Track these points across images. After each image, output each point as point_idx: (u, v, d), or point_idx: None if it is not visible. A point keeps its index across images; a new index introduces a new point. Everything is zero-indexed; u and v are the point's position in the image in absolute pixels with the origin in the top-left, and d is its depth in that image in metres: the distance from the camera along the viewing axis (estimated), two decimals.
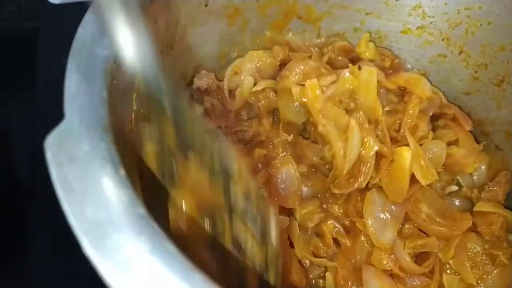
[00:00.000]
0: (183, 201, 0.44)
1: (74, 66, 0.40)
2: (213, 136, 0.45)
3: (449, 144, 0.65)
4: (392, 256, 0.58)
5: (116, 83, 0.44)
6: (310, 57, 0.72)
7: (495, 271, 0.59)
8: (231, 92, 0.72)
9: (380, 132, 0.59)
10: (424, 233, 0.61)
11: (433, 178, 0.59)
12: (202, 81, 0.69)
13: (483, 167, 0.68)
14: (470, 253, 0.60)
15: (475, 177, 0.68)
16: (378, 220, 0.58)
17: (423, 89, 0.63)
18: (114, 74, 0.44)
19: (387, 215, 0.58)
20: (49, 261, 0.69)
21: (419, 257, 0.60)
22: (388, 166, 0.58)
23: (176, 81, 0.66)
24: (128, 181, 0.34)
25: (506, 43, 0.63)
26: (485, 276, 0.59)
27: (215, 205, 0.44)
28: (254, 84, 0.69)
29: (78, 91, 0.38)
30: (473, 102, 0.71)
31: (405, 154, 0.58)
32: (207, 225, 0.43)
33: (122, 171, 0.34)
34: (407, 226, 0.60)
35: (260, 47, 0.74)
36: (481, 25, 0.65)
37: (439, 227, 0.59)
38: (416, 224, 0.60)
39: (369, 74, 0.59)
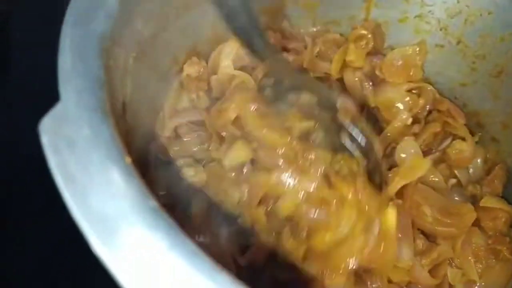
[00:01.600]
0: None
1: (67, 42, 0.36)
2: None
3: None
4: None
5: (113, 63, 0.40)
6: (305, 47, 0.71)
7: (497, 265, 0.58)
8: None
9: None
10: (432, 240, 0.59)
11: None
12: (193, 68, 0.65)
13: (479, 161, 0.68)
14: (473, 246, 0.59)
15: (471, 170, 0.68)
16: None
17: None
18: (110, 53, 0.40)
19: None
20: None
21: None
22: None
23: (168, 65, 0.62)
24: (135, 170, 0.30)
25: (506, 34, 0.62)
26: (487, 270, 0.58)
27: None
28: None
29: (73, 70, 0.34)
30: (469, 93, 0.70)
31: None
32: None
33: (128, 159, 0.30)
34: (418, 242, 0.58)
35: None
36: (480, 15, 0.64)
37: (448, 228, 0.57)
38: (424, 231, 0.58)
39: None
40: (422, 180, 0.62)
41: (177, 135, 0.65)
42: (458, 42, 0.68)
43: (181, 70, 0.65)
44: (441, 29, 0.69)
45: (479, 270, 0.58)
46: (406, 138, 0.63)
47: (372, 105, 0.69)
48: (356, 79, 0.69)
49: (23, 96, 0.72)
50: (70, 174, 0.28)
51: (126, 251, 0.25)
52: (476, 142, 0.69)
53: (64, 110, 0.31)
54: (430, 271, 0.57)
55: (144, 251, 0.25)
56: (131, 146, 0.53)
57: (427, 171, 0.59)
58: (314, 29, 0.74)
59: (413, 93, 0.68)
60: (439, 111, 0.68)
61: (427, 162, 0.59)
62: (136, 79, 0.52)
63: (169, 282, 0.24)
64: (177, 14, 0.58)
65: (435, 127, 0.64)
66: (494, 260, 0.58)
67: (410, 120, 0.65)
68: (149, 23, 0.52)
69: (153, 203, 0.28)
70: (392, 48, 0.73)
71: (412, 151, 0.61)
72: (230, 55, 0.67)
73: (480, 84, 0.68)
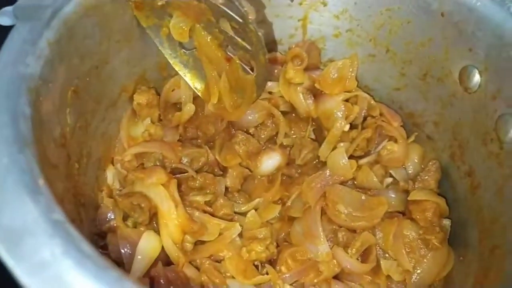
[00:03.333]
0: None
1: None
2: None
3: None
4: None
5: (42, 99, 0.46)
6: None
7: (429, 255, 0.63)
8: (173, 104, 0.75)
9: None
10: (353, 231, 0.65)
11: None
12: (143, 96, 0.71)
13: (416, 159, 0.73)
14: (406, 239, 0.63)
15: (410, 166, 0.73)
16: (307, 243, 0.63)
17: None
18: (40, 91, 0.46)
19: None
20: None
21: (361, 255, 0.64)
22: None
23: (116, 94, 0.68)
24: (47, 189, 0.35)
25: (425, 40, 0.68)
26: (421, 259, 0.63)
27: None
28: None
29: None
30: (403, 96, 0.75)
31: None
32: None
33: (41, 181, 0.36)
34: (339, 234, 0.64)
35: None
36: (401, 24, 0.69)
37: (359, 222, 0.63)
38: (341, 227, 0.65)
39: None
40: (354, 182, 0.68)
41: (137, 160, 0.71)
42: (387, 51, 0.74)
43: (132, 98, 0.71)
44: (370, 40, 0.74)
45: (413, 261, 0.62)
46: (338, 145, 0.68)
47: (315, 116, 0.74)
48: (300, 95, 0.75)
49: None
50: None
51: (26, 257, 0.30)
52: (414, 141, 0.74)
53: None
54: (362, 259, 0.62)
55: (41, 256, 0.30)
56: (80, 170, 0.59)
57: (352, 173, 0.66)
58: None
59: (349, 102, 0.73)
60: (372, 116, 0.73)
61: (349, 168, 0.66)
62: (79, 109, 0.57)
63: (60, 280, 0.30)
64: (119, 47, 0.64)
65: (367, 133, 0.70)
66: (426, 250, 0.62)
67: (347, 127, 0.71)
68: (88, 59, 0.58)
69: (57, 216, 0.33)
70: (331, 61, 0.78)
71: (342, 160, 0.67)
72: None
73: (411, 87, 0.73)
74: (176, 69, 0.70)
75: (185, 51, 0.69)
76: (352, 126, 0.73)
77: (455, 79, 0.66)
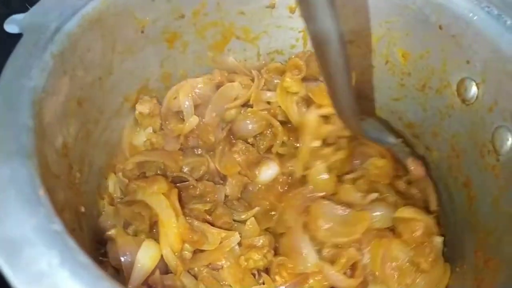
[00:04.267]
0: None
1: (1, 97, 0.43)
2: None
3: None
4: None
5: (46, 111, 0.47)
6: (252, 80, 0.78)
7: (420, 277, 0.62)
8: (175, 113, 0.76)
9: None
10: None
11: None
12: (145, 106, 0.72)
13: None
14: (395, 263, 0.62)
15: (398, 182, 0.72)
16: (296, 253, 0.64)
17: None
18: (43, 103, 0.47)
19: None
20: None
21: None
22: None
23: (119, 104, 0.69)
24: (47, 200, 0.37)
25: (423, 52, 0.68)
26: (412, 283, 0.62)
27: None
28: None
29: (3, 121, 0.41)
30: (402, 107, 0.76)
31: None
32: None
33: (41, 192, 0.37)
34: (325, 250, 0.63)
35: (203, 67, 0.78)
36: (401, 36, 0.70)
37: (340, 238, 0.63)
38: (326, 243, 0.64)
39: None
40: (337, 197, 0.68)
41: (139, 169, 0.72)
42: (386, 62, 0.74)
43: (134, 107, 0.72)
44: (370, 52, 0.75)
45: (403, 284, 0.61)
46: (318, 161, 0.69)
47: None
48: (294, 104, 0.75)
49: None
50: None
51: (24, 267, 0.32)
52: (412, 153, 0.75)
53: None
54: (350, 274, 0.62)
55: (38, 266, 0.32)
56: (82, 179, 0.60)
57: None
58: (258, 63, 0.80)
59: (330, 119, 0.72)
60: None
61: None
62: (81, 119, 0.59)
63: None
64: (122, 59, 0.65)
65: (342, 154, 0.70)
66: (416, 273, 0.62)
67: (317, 143, 0.71)
68: (92, 70, 0.59)
69: (56, 226, 0.34)
70: None
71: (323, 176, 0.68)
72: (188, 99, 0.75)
73: (410, 98, 0.74)
74: None
75: None
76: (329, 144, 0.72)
77: (453, 90, 0.66)
